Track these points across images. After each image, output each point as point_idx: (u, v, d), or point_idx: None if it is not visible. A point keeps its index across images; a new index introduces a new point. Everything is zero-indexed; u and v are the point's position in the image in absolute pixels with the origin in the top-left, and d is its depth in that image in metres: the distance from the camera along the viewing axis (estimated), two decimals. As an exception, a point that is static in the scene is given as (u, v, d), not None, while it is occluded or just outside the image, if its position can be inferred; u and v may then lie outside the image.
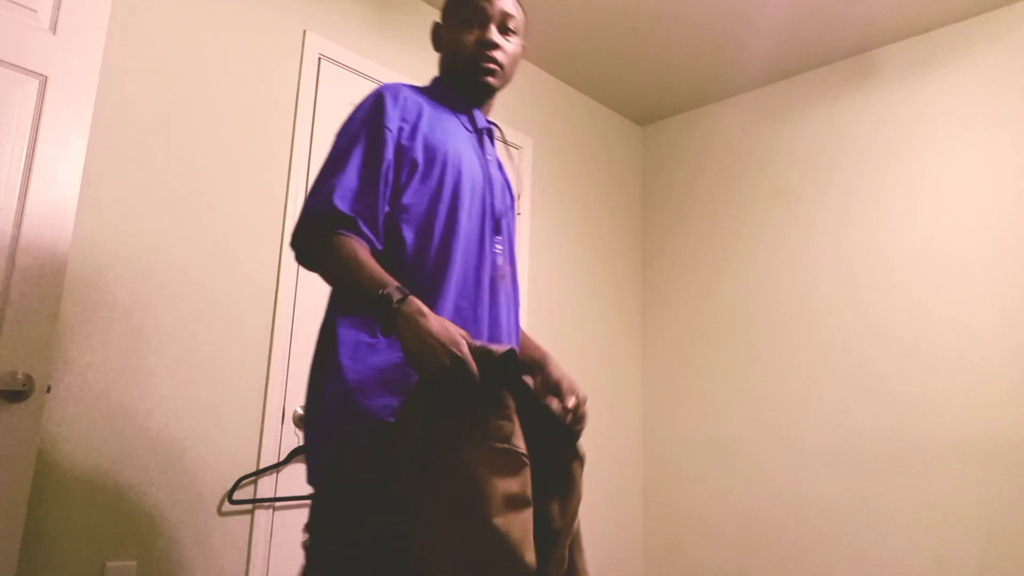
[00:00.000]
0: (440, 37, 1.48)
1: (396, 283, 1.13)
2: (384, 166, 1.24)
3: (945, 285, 2.69)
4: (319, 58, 2.48)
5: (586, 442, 3.21)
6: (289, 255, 2.30)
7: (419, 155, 1.29)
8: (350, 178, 1.22)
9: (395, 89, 1.33)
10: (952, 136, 2.78)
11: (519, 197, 3.09)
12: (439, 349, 1.06)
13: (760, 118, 3.37)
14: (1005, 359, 2.52)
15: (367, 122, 1.28)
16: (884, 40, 2.99)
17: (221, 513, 2.06)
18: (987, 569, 2.45)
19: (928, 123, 2.85)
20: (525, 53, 1.62)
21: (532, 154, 3.20)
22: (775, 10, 2.82)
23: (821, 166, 3.12)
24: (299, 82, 2.41)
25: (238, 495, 2.09)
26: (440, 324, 1.09)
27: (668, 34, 3.02)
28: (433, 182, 1.29)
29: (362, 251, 1.18)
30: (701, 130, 3.60)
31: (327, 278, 1.20)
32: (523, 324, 3.00)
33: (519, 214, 3.07)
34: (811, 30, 2.94)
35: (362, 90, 2.60)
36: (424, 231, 1.27)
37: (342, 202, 1.20)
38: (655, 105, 3.63)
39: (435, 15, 2.90)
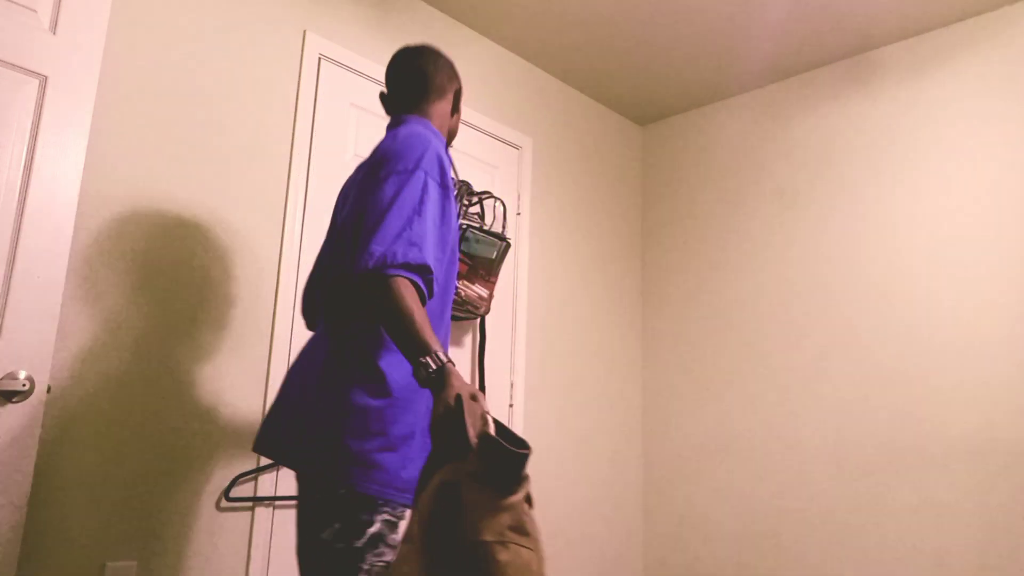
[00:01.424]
0: (456, 106, 1.69)
1: (438, 348, 1.25)
2: (448, 230, 1.41)
3: (945, 285, 2.69)
4: (319, 58, 2.48)
5: (587, 442, 3.21)
6: (289, 254, 2.30)
7: (445, 208, 1.43)
8: (432, 234, 1.34)
9: (443, 146, 1.49)
10: (952, 136, 2.78)
11: (519, 196, 3.10)
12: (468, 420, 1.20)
13: (760, 118, 3.37)
14: (1005, 359, 2.52)
15: (439, 182, 1.40)
16: (884, 40, 2.99)
17: (221, 512, 2.06)
18: (987, 569, 2.45)
19: (928, 123, 2.85)
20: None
21: (532, 154, 3.20)
22: (775, 10, 2.82)
23: (821, 166, 3.12)
24: (299, 82, 2.41)
25: (239, 493, 2.09)
26: (467, 391, 1.22)
27: (668, 34, 3.02)
28: (448, 234, 1.44)
29: (419, 306, 1.28)
30: (701, 130, 3.60)
31: (379, 313, 1.29)
32: (523, 324, 3.00)
33: (519, 214, 3.07)
34: (811, 30, 2.94)
35: (362, 90, 2.60)
36: (436, 277, 1.38)
37: (429, 257, 1.31)
38: (655, 105, 3.63)
39: (435, 15, 2.90)
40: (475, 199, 2.74)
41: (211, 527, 2.04)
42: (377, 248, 1.28)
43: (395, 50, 2.72)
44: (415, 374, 1.25)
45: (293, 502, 2.21)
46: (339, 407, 1.32)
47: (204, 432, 2.06)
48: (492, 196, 2.80)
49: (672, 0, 2.80)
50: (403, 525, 1.33)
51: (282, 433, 1.39)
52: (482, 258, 2.59)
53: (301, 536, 1.38)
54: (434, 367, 1.23)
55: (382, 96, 1.69)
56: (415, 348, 1.24)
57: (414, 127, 1.49)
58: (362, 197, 1.41)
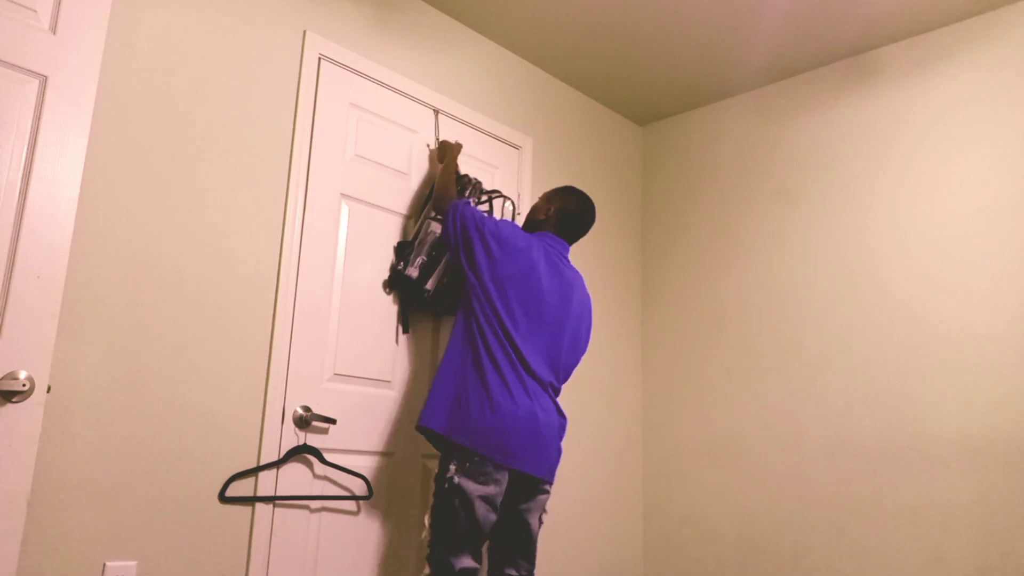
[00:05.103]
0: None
1: None
2: None
3: (945, 285, 2.69)
4: (319, 58, 2.48)
5: (586, 442, 3.21)
6: (289, 254, 2.30)
7: None
8: None
9: None
10: (952, 136, 2.78)
11: (519, 196, 3.10)
12: None
13: (760, 118, 3.37)
14: (1005, 359, 2.52)
15: None
16: (884, 40, 2.99)
17: (221, 511, 2.06)
18: (987, 569, 2.45)
19: (928, 123, 2.85)
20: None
21: (532, 154, 3.20)
22: (775, 10, 2.82)
23: (821, 166, 3.12)
24: (299, 82, 2.41)
25: (240, 493, 2.09)
26: None
27: (668, 34, 3.02)
28: None
29: None
30: (701, 130, 3.60)
31: None
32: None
33: (519, 214, 3.07)
34: (811, 30, 2.94)
35: (362, 90, 2.60)
36: None
37: None
38: (655, 105, 3.63)
39: (435, 15, 2.90)
40: (484, 198, 2.76)
41: (211, 526, 2.04)
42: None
43: (395, 50, 2.73)
44: None
45: (293, 502, 2.21)
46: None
47: (204, 432, 2.06)
48: (502, 195, 2.83)
49: (672, 1, 2.80)
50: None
51: (550, 459, 2.19)
52: (482, 258, 2.59)
53: (526, 516, 2.17)
54: None
55: (583, 228, 2.62)
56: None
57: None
58: (583, 329, 2.54)
